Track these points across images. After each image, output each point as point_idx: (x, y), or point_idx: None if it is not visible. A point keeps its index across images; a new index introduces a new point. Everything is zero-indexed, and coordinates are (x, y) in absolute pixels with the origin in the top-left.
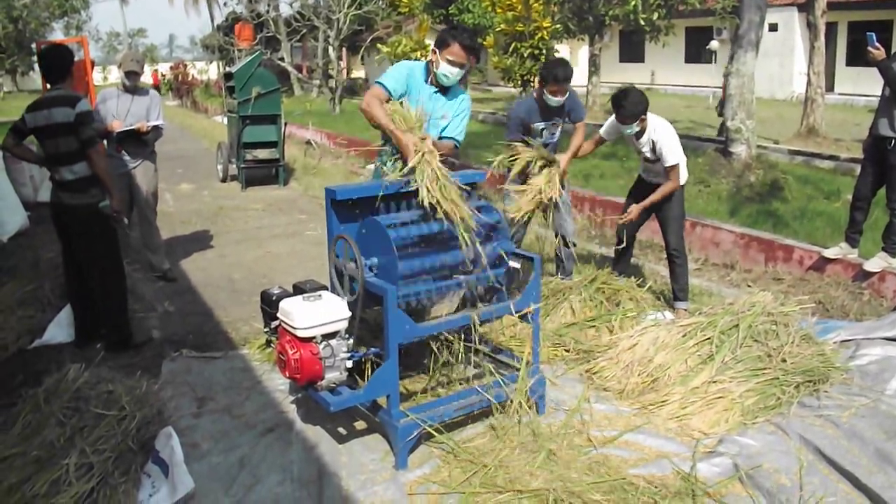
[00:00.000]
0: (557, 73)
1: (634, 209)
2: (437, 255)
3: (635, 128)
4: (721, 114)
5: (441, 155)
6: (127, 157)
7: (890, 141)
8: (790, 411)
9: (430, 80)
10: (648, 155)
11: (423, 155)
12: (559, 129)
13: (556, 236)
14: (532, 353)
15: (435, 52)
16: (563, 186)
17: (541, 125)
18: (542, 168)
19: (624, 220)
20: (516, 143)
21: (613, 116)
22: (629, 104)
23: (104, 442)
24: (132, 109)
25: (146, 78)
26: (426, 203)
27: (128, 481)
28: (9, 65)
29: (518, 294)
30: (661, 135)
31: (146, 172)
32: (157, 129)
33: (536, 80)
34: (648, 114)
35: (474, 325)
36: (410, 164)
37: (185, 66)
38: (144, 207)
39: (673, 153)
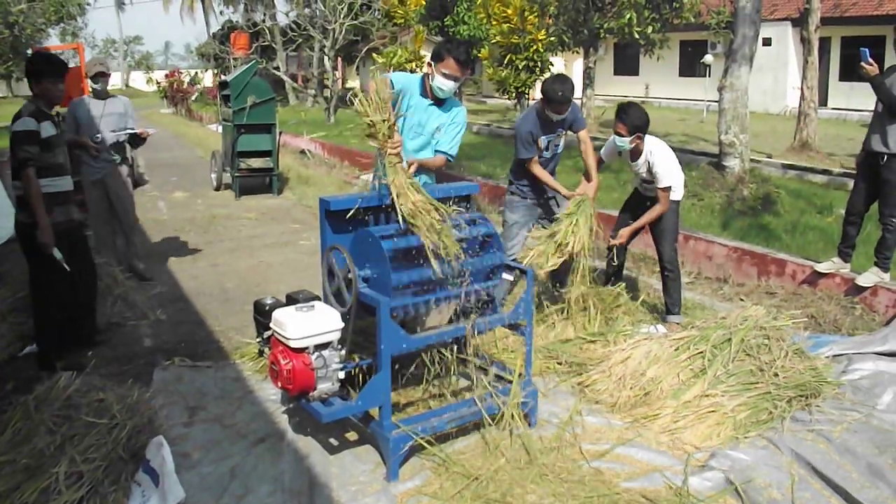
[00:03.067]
0: (563, 96)
1: (625, 232)
2: (431, 267)
3: (628, 144)
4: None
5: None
6: (95, 165)
7: (882, 156)
8: (782, 426)
9: (426, 93)
10: (644, 175)
11: (391, 157)
12: (562, 139)
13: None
14: (525, 366)
15: (430, 65)
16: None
17: (545, 139)
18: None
19: (613, 243)
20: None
21: (612, 137)
22: (630, 115)
23: (94, 450)
24: (106, 115)
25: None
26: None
27: (118, 490)
28: (4, 70)
29: (510, 306)
30: (658, 156)
31: (121, 178)
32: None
33: (539, 96)
34: (647, 136)
35: (467, 337)
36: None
37: (195, 73)
38: (123, 214)
39: (668, 175)
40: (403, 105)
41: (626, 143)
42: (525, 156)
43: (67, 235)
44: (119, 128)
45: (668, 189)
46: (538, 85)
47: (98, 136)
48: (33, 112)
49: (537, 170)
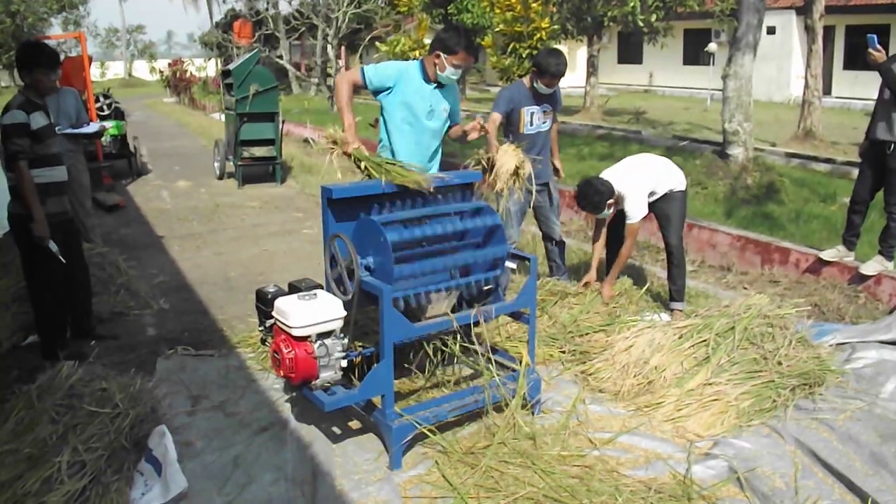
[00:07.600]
0: (559, 69)
1: (605, 290)
2: (434, 255)
3: (608, 211)
4: None
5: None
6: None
7: (889, 145)
8: (785, 414)
9: (429, 78)
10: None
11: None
12: (550, 117)
13: (543, 238)
14: (528, 354)
15: (439, 56)
16: (553, 190)
17: (528, 110)
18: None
19: (589, 286)
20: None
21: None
22: (587, 202)
23: (97, 440)
24: (62, 107)
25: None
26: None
27: (120, 479)
28: (6, 60)
29: (513, 294)
30: (628, 191)
31: (84, 165)
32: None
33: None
34: (614, 175)
35: (471, 326)
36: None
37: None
38: (81, 201)
39: (637, 208)
40: (402, 93)
41: (607, 213)
42: (494, 109)
43: (62, 227)
44: (79, 123)
45: (633, 226)
46: None
47: (58, 127)
48: (23, 103)
49: (492, 128)
